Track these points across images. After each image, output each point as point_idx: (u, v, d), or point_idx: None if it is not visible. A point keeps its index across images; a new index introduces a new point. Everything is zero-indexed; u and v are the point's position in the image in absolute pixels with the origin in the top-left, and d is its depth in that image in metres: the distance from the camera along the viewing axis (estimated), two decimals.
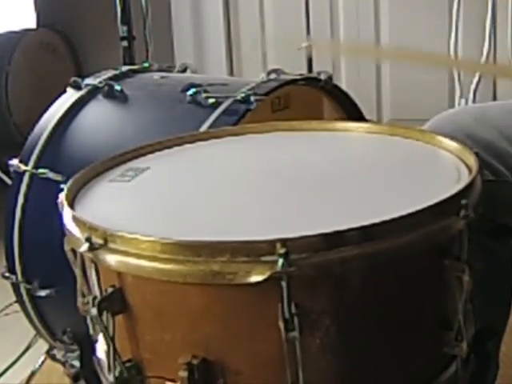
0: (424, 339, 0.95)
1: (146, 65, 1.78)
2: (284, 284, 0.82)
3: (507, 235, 1.38)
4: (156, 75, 1.70)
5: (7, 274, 1.58)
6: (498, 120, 1.37)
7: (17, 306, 1.65)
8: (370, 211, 0.92)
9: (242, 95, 1.45)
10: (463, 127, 1.35)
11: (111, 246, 0.88)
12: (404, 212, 0.86)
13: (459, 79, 2.70)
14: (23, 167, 1.55)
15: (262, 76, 1.56)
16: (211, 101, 1.47)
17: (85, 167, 1.12)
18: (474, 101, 2.68)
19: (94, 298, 0.90)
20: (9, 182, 1.62)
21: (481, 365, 1.04)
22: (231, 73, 3.28)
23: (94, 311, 0.89)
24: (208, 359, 0.88)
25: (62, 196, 1.01)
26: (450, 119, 1.41)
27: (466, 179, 0.98)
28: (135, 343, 0.93)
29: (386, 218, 0.85)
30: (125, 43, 2.08)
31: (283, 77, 1.55)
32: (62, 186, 1.06)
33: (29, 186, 1.55)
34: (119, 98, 1.59)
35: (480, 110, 1.50)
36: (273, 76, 1.55)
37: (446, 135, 1.16)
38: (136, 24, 2.14)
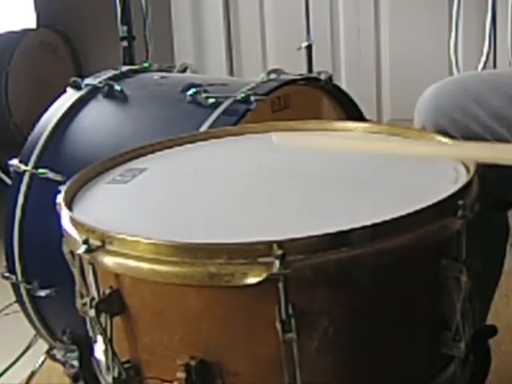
0: (422, 340, 0.95)
1: (146, 65, 1.78)
2: (281, 285, 0.82)
3: (506, 208, 1.36)
4: (156, 75, 1.70)
5: (7, 274, 1.58)
6: (510, 88, 1.35)
7: (17, 306, 1.65)
8: (367, 212, 0.92)
9: (242, 95, 1.45)
10: (472, 92, 1.31)
11: (109, 247, 0.88)
12: (401, 212, 0.86)
13: None
14: (23, 167, 1.55)
15: (262, 76, 1.56)
16: (211, 101, 1.47)
17: (85, 167, 1.12)
18: None
19: (92, 299, 0.91)
20: (9, 182, 1.62)
21: (480, 364, 1.04)
22: (231, 73, 3.28)
23: (92, 313, 0.89)
24: (206, 360, 0.88)
25: (60, 197, 1.01)
26: (458, 83, 1.36)
27: (463, 179, 0.98)
28: (133, 344, 0.93)
29: (384, 218, 0.85)
30: (125, 43, 2.08)
31: (283, 77, 1.55)
32: (61, 186, 1.06)
33: (29, 186, 1.55)
34: (119, 98, 1.59)
35: (492, 76, 1.45)
36: (273, 76, 1.55)
37: (452, 100, 1.13)
38: (136, 24, 2.14)
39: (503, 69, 2.67)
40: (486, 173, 0.95)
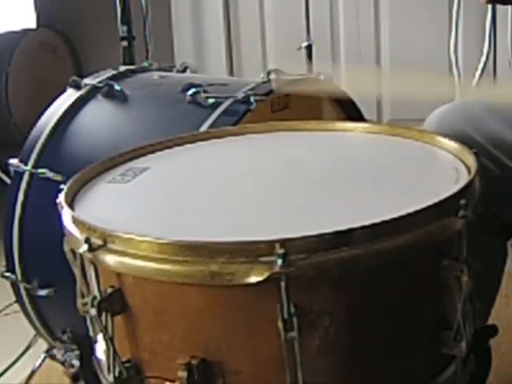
0: (423, 339, 0.95)
1: (146, 64, 1.78)
2: (283, 284, 0.82)
3: (508, 236, 1.37)
4: (156, 75, 1.70)
5: (7, 274, 1.58)
6: (509, 113, 1.34)
7: (17, 306, 1.65)
8: (368, 211, 0.92)
9: (242, 95, 1.45)
10: (471, 118, 1.33)
11: (110, 246, 0.88)
12: (403, 212, 0.87)
13: (459, 79, 2.70)
14: (23, 167, 1.55)
15: (262, 76, 1.56)
16: (211, 101, 1.46)
17: (84, 167, 1.12)
18: None
19: (94, 298, 0.90)
20: (9, 182, 1.62)
21: (480, 364, 1.04)
22: (231, 73, 3.28)
23: (94, 312, 0.89)
24: (207, 359, 0.88)
25: (61, 196, 1.01)
26: (459, 110, 1.38)
27: (464, 179, 0.98)
28: (134, 343, 0.93)
29: (385, 218, 0.85)
30: (125, 43, 2.08)
31: (283, 77, 1.55)
32: (61, 185, 1.05)
33: (28, 186, 1.55)
34: (119, 97, 1.59)
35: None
36: (273, 76, 1.55)
37: (452, 127, 1.14)
38: (136, 24, 2.14)
39: (503, 69, 2.68)
40: (490, 195, 0.96)
